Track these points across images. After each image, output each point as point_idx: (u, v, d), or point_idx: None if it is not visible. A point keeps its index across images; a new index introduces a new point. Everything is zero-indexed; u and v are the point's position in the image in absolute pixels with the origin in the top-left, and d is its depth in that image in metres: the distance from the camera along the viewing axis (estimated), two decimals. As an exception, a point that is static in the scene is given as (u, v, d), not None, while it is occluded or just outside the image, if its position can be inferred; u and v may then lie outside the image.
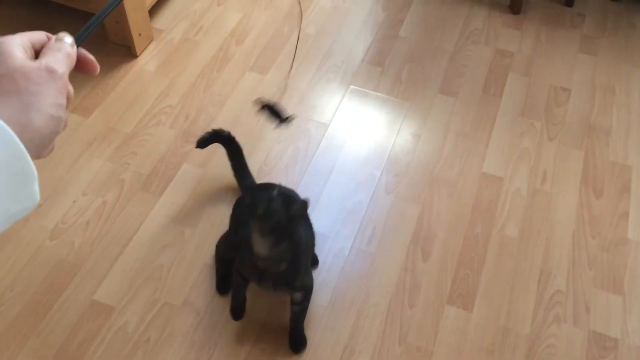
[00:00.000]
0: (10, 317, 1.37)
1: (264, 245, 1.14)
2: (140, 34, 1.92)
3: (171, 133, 1.75)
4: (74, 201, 1.58)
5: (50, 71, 0.47)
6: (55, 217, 1.54)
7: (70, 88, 0.50)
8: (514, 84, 1.94)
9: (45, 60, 0.48)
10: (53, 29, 0.55)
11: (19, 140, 0.42)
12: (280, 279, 1.22)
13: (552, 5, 2.22)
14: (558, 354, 1.37)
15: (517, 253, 1.54)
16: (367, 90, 1.91)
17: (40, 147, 0.46)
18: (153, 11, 2.05)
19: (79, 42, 0.53)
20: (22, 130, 0.43)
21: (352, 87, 1.91)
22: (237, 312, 1.39)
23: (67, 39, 0.51)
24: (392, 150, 1.75)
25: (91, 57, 0.54)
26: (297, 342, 1.35)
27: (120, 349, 1.34)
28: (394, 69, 1.97)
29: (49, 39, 0.51)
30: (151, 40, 1.99)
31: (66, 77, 0.49)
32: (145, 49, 1.97)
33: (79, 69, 0.54)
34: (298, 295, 1.28)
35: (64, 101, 0.48)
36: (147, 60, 1.94)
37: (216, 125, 1.77)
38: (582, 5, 2.22)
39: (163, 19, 2.08)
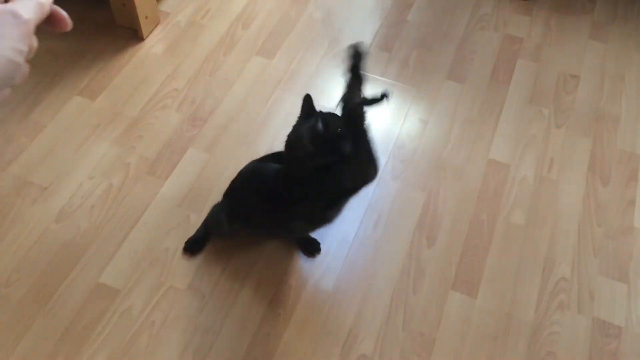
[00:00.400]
0: (16, 300, 1.38)
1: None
2: (146, 17, 1.91)
3: (177, 117, 1.74)
4: (80, 184, 1.58)
5: (15, 15, 0.46)
6: (61, 201, 1.55)
7: (35, 40, 0.49)
8: (523, 70, 1.92)
9: (12, 4, 0.47)
10: None
11: None
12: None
13: (562, -9, 2.19)
14: (561, 341, 1.37)
15: (523, 240, 1.54)
16: (374, 76, 1.89)
17: None
18: (159, -6, 2.04)
19: None
20: None
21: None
22: (201, 244, 1.46)
23: None
24: (399, 136, 1.74)
25: (64, 12, 0.52)
26: (313, 245, 1.47)
27: (125, 332, 1.35)
28: (401, 55, 1.95)
29: None
30: (158, 24, 1.98)
31: (32, 25, 0.48)
32: (151, 32, 1.96)
33: (50, 23, 0.52)
34: None
35: (24, 48, 0.47)
36: (154, 44, 1.93)
37: (223, 108, 1.77)
38: (593, -10, 2.19)
39: (170, 1, 2.06)
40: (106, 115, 1.74)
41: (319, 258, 1.48)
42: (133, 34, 1.94)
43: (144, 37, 1.93)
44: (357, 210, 1.57)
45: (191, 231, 1.50)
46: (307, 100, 1.21)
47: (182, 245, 1.48)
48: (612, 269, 1.50)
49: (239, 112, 1.77)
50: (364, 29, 2.03)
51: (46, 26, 0.52)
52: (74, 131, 1.69)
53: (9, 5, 0.47)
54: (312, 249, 1.49)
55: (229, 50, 1.93)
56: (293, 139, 1.17)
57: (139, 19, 1.87)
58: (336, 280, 1.45)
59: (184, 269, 1.45)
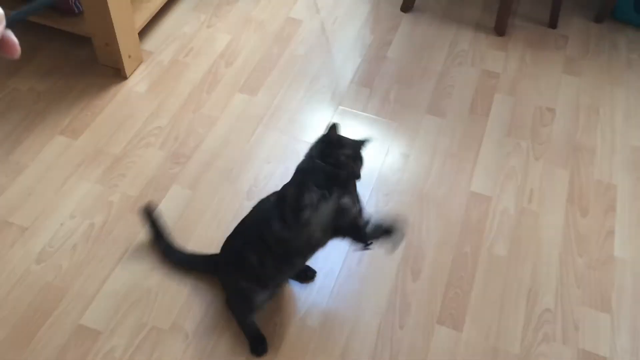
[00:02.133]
0: (-5, 343, 1.35)
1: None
2: (129, 56, 1.92)
3: (160, 154, 1.75)
4: (61, 224, 1.57)
5: None
6: (42, 241, 1.53)
7: None
8: (500, 104, 1.97)
9: None
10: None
11: None
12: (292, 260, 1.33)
13: (536, 27, 2.26)
14: (548, 374, 1.38)
15: (506, 272, 1.55)
16: (356, 111, 1.92)
17: None
18: (143, 33, 2.07)
19: (9, 21, 0.50)
20: None
21: (341, 107, 1.93)
22: (263, 343, 1.37)
23: None
24: (382, 170, 1.76)
25: (14, 39, 0.52)
26: (308, 271, 1.49)
27: (108, 373, 1.32)
28: (382, 90, 1.99)
29: None
30: (141, 62, 2.00)
31: None
32: (134, 70, 1.97)
33: (1, 48, 0.52)
34: None
35: None
36: (137, 82, 1.95)
37: (206, 145, 1.78)
38: (566, 26, 2.27)
39: (153, 40, 2.09)
40: (88, 154, 1.73)
41: (305, 294, 1.47)
42: (116, 73, 1.95)
43: (127, 76, 1.95)
44: (342, 245, 1.57)
45: (174, 271, 1.49)
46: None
47: (165, 284, 1.46)
48: (595, 299, 1.51)
49: (222, 148, 1.78)
50: (345, 65, 2.07)
51: None
52: (55, 170, 1.68)
53: None
54: (307, 275, 1.49)
55: (212, 88, 1.95)
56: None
57: (122, 57, 1.89)
58: (322, 316, 1.44)
59: (166, 309, 1.43)
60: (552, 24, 2.26)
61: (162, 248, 1.50)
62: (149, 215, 1.48)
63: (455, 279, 1.53)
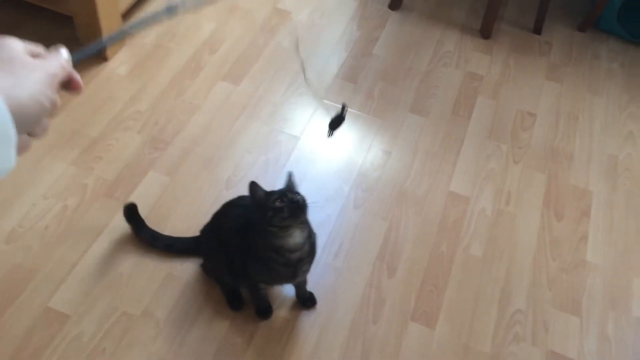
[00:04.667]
0: (-42, 323, 1.31)
1: (302, 235, 1.21)
2: (111, 38, 1.89)
3: (139, 139, 1.72)
4: (33, 204, 1.53)
5: (45, 68, 0.54)
6: (13, 221, 1.49)
7: (58, 97, 0.55)
8: (483, 106, 1.98)
9: (42, 60, 0.55)
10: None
11: (5, 104, 0.48)
12: (309, 260, 1.27)
13: (521, 32, 2.28)
14: (517, 374, 1.39)
15: (481, 272, 1.56)
16: (339, 106, 1.91)
17: (24, 124, 0.51)
18: (127, 16, 2.03)
19: (74, 60, 0.59)
20: (10, 101, 0.49)
21: (324, 101, 1.92)
22: (268, 311, 1.40)
23: (64, 51, 0.58)
24: (362, 166, 1.76)
25: (79, 77, 0.60)
26: (311, 299, 1.44)
27: (75, 358, 1.29)
28: (366, 86, 1.99)
29: (43, 52, 0.58)
30: (123, 45, 1.96)
31: (57, 80, 0.56)
32: (116, 53, 1.94)
33: (66, 85, 0.59)
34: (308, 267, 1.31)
35: (52, 95, 0.54)
36: (118, 65, 1.91)
37: (187, 132, 1.75)
38: (550, 33, 2.29)
39: (136, 24, 2.05)
40: (65, 134, 1.70)
41: (279, 286, 1.46)
42: (97, 54, 1.91)
43: (108, 58, 1.91)
44: (319, 239, 1.56)
45: (148, 255, 1.47)
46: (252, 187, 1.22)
47: (138, 270, 1.44)
48: (566, 302, 1.53)
49: (202, 136, 1.76)
50: (330, 60, 2.06)
51: (63, 86, 0.59)
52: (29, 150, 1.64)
53: (39, 61, 0.55)
54: (312, 301, 1.45)
55: (195, 75, 1.92)
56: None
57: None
58: (293, 308, 1.43)
59: (138, 295, 1.41)
60: (537, 30, 2.28)
61: (147, 238, 1.48)
62: (130, 210, 1.45)
63: (431, 277, 1.53)
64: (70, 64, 0.58)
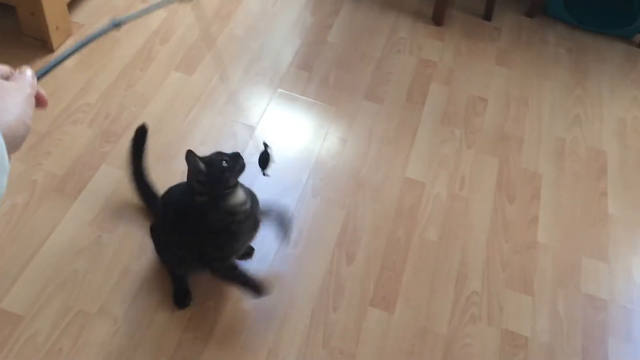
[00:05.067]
0: None
1: (241, 187, 1.26)
2: (57, 28, 1.82)
3: (89, 132, 1.67)
4: (-21, 203, 1.48)
5: (22, 89, 0.57)
6: (-42, 220, 1.43)
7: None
8: (436, 92, 2.01)
9: (17, 82, 0.58)
10: None
11: (1, 136, 0.50)
12: (257, 203, 1.32)
13: (472, 19, 2.32)
14: (474, 353, 1.43)
15: (436, 256, 1.60)
16: (294, 94, 1.91)
17: (13, 147, 0.54)
18: (72, 5, 1.96)
19: (38, 76, 0.61)
20: (1, 128, 0.52)
21: (279, 90, 1.91)
22: (186, 297, 1.40)
23: (29, 72, 0.60)
24: (319, 154, 1.76)
25: (43, 92, 0.62)
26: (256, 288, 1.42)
27: (30, 360, 1.26)
28: (321, 74, 1.98)
29: (12, 71, 0.61)
30: (70, 35, 1.90)
31: (32, 98, 0.59)
32: (62, 43, 1.87)
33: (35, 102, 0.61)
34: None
35: (32, 113, 0.57)
36: (65, 56, 1.85)
37: (139, 124, 1.71)
38: (500, 19, 2.34)
39: (83, 13, 1.99)
40: (11, 129, 1.63)
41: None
42: (42, 45, 1.84)
43: (54, 49, 1.85)
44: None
45: (103, 251, 1.44)
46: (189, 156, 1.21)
47: (93, 267, 1.41)
48: (519, 282, 1.59)
49: (156, 128, 1.72)
50: (284, 48, 2.05)
51: None
52: (-27, 146, 1.58)
53: (15, 83, 0.57)
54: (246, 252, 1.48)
55: (146, 65, 1.88)
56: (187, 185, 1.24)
57: (49, 29, 1.79)
58: (255, 299, 1.43)
59: (94, 292, 1.38)
60: (487, 16, 2.32)
61: (132, 169, 1.46)
62: (140, 134, 1.45)
63: (389, 262, 1.56)
64: (35, 81, 0.60)
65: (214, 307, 1.40)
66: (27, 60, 1.80)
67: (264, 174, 1.31)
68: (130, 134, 1.68)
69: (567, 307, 1.55)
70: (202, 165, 1.19)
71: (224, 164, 1.20)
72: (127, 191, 1.56)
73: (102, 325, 1.33)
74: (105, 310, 1.35)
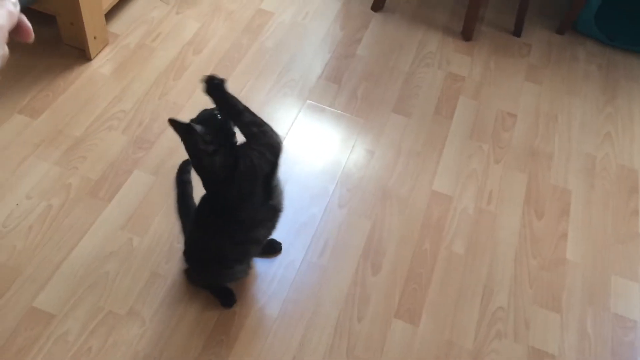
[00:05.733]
0: (-59, 323, 1.30)
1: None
2: (95, 37, 1.88)
3: (123, 138, 1.71)
4: (17, 204, 1.52)
5: None
6: (-4, 220, 1.48)
7: (6, 49, 0.51)
8: (464, 107, 2.01)
9: None
10: None
11: None
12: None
13: (501, 34, 2.32)
14: (499, 369, 1.42)
15: (463, 269, 1.59)
16: (323, 106, 1.93)
17: None
18: (110, 15, 2.02)
19: (22, 5, 0.53)
20: None
21: (308, 101, 1.94)
22: (231, 296, 1.43)
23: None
24: (346, 165, 1.77)
25: (28, 23, 0.54)
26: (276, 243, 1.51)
27: (60, 358, 1.29)
28: (350, 87, 2.00)
29: None
30: (106, 44, 1.96)
31: (5, 31, 0.50)
32: (99, 52, 1.93)
33: (17, 33, 0.54)
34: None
35: (1, 51, 0.49)
36: (102, 64, 1.90)
37: (171, 131, 1.75)
38: (529, 36, 2.34)
39: (120, 23, 2.05)
40: (48, 134, 1.69)
41: (265, 284, 1.48)
42: (80, 54, 1.90)
43: (92, 57, 1.90)
44: (304, 237, 1.58)
45: (133, 254, 1.47)
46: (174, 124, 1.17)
47: (123, 269, 1.44)
48: (546, 299, 1.57)
49: (187, 136, 1.76)
50: (314, 60, 2.07)
51: (12, 35, 0.53)
52: (12, 150, 1.63)
53: None
54: (275, 249, 1.51)
55: (179, 75, 1.93)
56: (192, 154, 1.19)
57: (87, 38, 1.85)
58: (282, 306, 1.45)
59: (124, 294, 1.41)
60: (517, 32, 2.32)
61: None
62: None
63: (414, 274, 1.56)
64: (18, 8, 0.52)
65: (240, 313, 1.42)
66: (66, 68, 1.86)
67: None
68: (163, 141, 1.73)
69: (596, 326, 1.53)
70: (198, 127, 1.12)
71: (217, 113, 1.16)
72: (158, 196, 1.60)
73: (131, 326, 1.35)
74: (134, 311, 1.38)
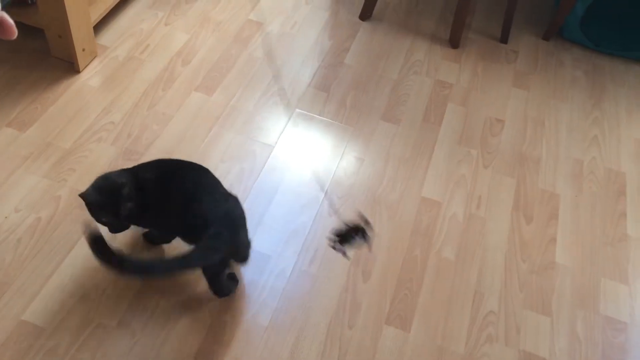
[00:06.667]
0: None
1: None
2: (83, 49, 1.89)
3: (112, 150, 1.72)
4: (5, 217, 1.52)
5: None
6: (-16, 234, 1.47)
7: None
8: (453, 113, 2.03)
9: None
10: None
11: None
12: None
13: (488, 41, 2.35)
14: (490, 373, 1.42)
15: (453, 275, 1.59)
16: (312, 114, 1.94)
17: None
18: (98, 27, 2.03)
19: (3, 4, 0.52)
20: None
21: (297, 110, 1.94)
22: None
23: None
24: (336, 173, 1.78)
25: (10, 20, 0.53)
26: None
27: (50, 371, 1.28)
28: (339, 95, 2.02)
29: None
30: (95, 57, 1.96)
31: None
32: (88, 64, 1.94)
33: None
34: None
35: None
36: (90, 76, 1.91)
37: (160, 143, 1.76)
38: (516, 42, 2.36)
39: (108, 35, 2.05)
40: (37, 147, 1.69)
41: (256, 293, 1.48)
42: (69, 66, 1.91)
43: (80, 70, 1.91)
44: (294, 245, 1.59)
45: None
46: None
47: (113, 281, 1.44)
48: (536, 302, 1.57)
49: (176, 147, 1.76)
50: (303, 70, 2.09)
51: None
52: (0, 163, 1.63)
53: None
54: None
55: (168, 86, 1.93)
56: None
57: (76, 51, 1.85)
58: (272, 315, 1.45)
59: (114, 305, 1.40)
60: (504, 39, 2.35)
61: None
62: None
63: (405, 281, 1.56)
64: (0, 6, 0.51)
65: (231, 322, 1.41)
66: (54, 81, 1.86)
67: (344, 255, 1.21)
68: (152, 152, 1.73)
69: (586, 328, 1.53)
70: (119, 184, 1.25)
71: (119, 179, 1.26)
72: (148, 207, 1.60)
73: (121, 338, 1.35)
74: (125, 323, 1.37)
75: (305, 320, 1.45)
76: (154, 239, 1.50)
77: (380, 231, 1.66)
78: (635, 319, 1.56)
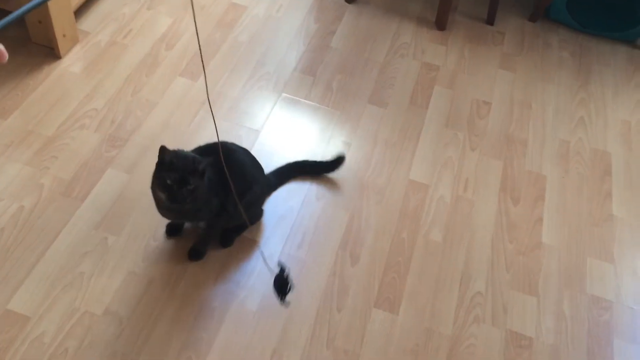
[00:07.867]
0: None
1: None
2: (64, 35, 1.85)
3: (96, 137, 1.69)
4: (-13, 206, 1.49)
5: None
6: (-33, 223, 1.45)
7: None
8: (440, 96, 2.02)
9: None
10: None
11: None
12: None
13: (474, 23, 2.33)
14: (478, 353, 1.43)
15: (441, 257, 1.60)
16: (298, 99, 1.93)
17: None
18: (79, 13, 1.99)
19: None
20: None
21: (284, 94, 1.93)
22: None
23: None
24: (324, 158, 1.77)
25: (1, 46, 0.56)
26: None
27: (36, 360, 1.27)
28: (325, 79, 2.00)
29: None
30: (76, 42, 1.93)
31: None
32: (69, 50, 1.90)
33: None
34: None
35: None
36: (72, 62, 1.88)
37: (145, 129, 1.74)
38: (503, 24, 2.35)
39: (90, 20, 2.02)
40: (18, 134, 1.66)
41: (244, 278, 1.47)
42: (49, 52, 1.87)
43: (62, 56, 1.88)
44: (282, 230, 1.58)
45: (109, 254, 1.45)
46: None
47: (99, 269, 1.43)
48: (523, 283, 1.58)
49: (161, 133, 1.74)
50: (288, 53, 2.06)
51: None
52: (-18, 151, 1.60)
53: None
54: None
55: (152, 71, 1.90)
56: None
57: (57, 36, 1.82)
58: (261, 299, 1.44)
59: (100, 293, 1.39)
60: (490, 21, 2.34)
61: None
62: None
63: (393, 263, 1.56)
64: None
65: (219, 308, 1.41)
66: (35, 67, 1.83)
67: (281, 302, 1.30)
68: (136, 139, 1.71)
69: (572, 307, 1.55)
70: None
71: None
72: (133, 194, 1.58)
73: (108, 326, 1.34)
74: (111, 311, 1.36)
75: (294, 304, 1.44)
76: (171, 231, 1.53)
77: (367, 215, 1.65)
78: (620, 298, 1.58)
